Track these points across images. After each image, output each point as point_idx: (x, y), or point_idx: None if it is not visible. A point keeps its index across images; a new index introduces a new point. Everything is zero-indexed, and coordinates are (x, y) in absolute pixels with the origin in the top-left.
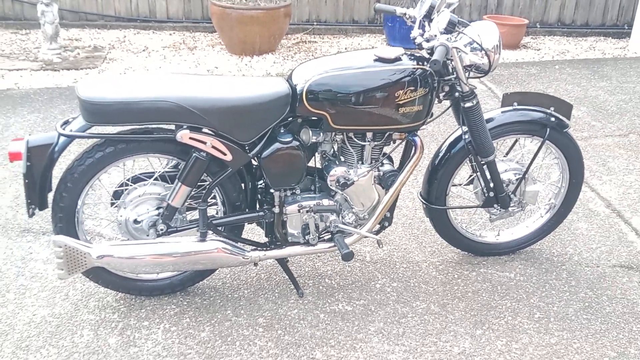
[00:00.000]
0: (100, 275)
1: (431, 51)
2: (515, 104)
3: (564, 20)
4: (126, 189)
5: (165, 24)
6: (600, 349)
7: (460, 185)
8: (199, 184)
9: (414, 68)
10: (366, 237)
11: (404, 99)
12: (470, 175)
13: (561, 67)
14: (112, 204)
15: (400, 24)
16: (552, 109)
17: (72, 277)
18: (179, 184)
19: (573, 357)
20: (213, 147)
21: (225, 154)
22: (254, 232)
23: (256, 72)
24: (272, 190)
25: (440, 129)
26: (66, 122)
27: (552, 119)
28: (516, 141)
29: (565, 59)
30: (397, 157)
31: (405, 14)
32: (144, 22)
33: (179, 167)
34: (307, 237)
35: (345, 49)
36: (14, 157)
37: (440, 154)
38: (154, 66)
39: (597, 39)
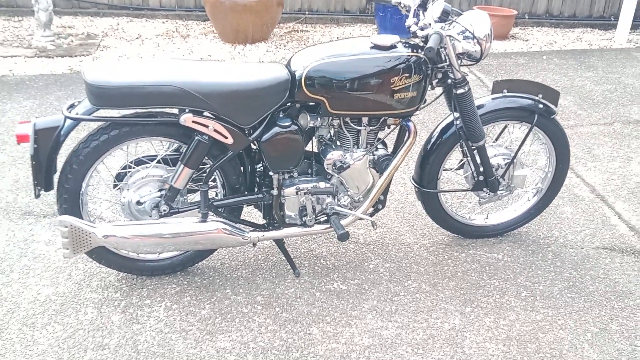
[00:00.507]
0: (103, 255)
1: (425, 39)
2: (505, 91)
3: (552, 11)
4: (129, 172)
5: (158, 12)
6: (584, 325)
7: (451, 169)
8: (199, 166)
9: (409, 55)
10: (361, 218)
11: (399, 85)
12: (461, 160)
13: (549, 58)
14: (115, 186)
15: (392, 13)
16: (540, 96)
17: (76, 257)
18: (182, 166)
19: (557, 332)
20: (215, 130)
21: (226, 137)
22: (250, 214)
23: (249, 60)
24: (271, 173)
25: (431, 117)
26: (72, 106)
27: (540, 105)
28: (505, 127)
29: (553, 50)
30: (389, 142)
31: (400, 2)
32: (137, 10)
33: (180, 150)
34: (304, 219)
35: (337, 38)
36: (21, 139)
37: (432, 140)
38: (147, 54)
39: (584, 30)
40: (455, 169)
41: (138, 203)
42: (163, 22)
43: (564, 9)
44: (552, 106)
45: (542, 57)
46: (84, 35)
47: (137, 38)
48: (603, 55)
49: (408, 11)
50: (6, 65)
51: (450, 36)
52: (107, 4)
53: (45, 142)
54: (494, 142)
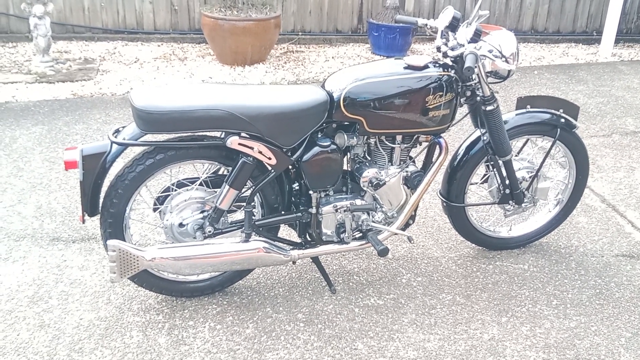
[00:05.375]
0: (145, 278)
1: (455, 59)
2: (529, 106)
3: (537, 27)
4: (170, 195)
5: (153, 35)
6: (616, 330)
7: (476, 184)
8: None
9: (441, 75)
10: (396, 234)
11: (433, 104)
12: (485, 174)
13: (540, 73)
14: (155, 209)
15: (385, 33)
16: (561, 110)
17: (122, 280)
18: (227, 187)
19: (593, 338)
20: (259, 152)
21: (270, 159)
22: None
23: (250, 81)
24: (310, 192)
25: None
26: (117, 131)
27: (562, 120)
28: (527, 141)
29: (542, 65)
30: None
31: (426, 24)
32: (132, 34)
33: (219, 172)
34: (341, 236)
35: (333, 57)
36: (69, 165)
37: (459, 155)
38: (148, 77)
39: (569, 45)
40: (480, 183)
41: (180, 225)
42: (158, 45)
43: (548, 25)
44: (573, 120)
45: (534, 72)
46: (82, 60)
47: (135, 61)
48: (591, 69)
49: (434, 32)
50: (8, 92)
51: (483, 55)
52: (102, 28)
53: (92, 168)
54: (516, 155)
